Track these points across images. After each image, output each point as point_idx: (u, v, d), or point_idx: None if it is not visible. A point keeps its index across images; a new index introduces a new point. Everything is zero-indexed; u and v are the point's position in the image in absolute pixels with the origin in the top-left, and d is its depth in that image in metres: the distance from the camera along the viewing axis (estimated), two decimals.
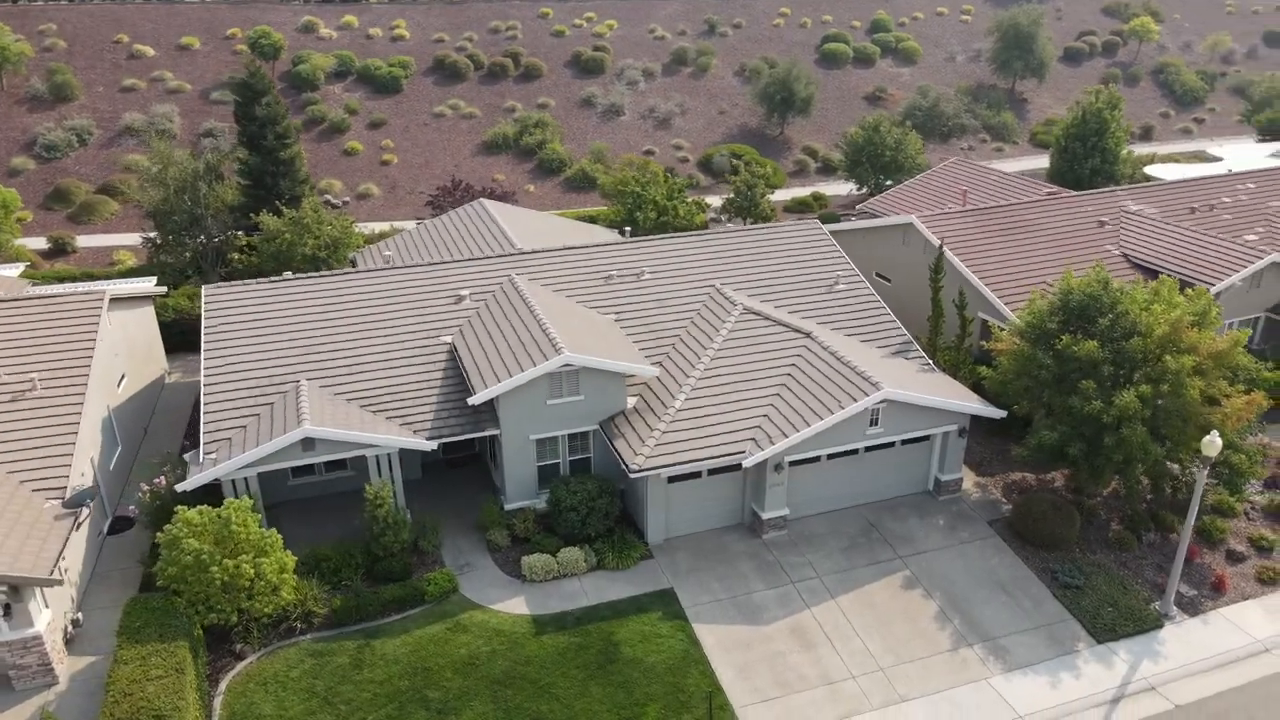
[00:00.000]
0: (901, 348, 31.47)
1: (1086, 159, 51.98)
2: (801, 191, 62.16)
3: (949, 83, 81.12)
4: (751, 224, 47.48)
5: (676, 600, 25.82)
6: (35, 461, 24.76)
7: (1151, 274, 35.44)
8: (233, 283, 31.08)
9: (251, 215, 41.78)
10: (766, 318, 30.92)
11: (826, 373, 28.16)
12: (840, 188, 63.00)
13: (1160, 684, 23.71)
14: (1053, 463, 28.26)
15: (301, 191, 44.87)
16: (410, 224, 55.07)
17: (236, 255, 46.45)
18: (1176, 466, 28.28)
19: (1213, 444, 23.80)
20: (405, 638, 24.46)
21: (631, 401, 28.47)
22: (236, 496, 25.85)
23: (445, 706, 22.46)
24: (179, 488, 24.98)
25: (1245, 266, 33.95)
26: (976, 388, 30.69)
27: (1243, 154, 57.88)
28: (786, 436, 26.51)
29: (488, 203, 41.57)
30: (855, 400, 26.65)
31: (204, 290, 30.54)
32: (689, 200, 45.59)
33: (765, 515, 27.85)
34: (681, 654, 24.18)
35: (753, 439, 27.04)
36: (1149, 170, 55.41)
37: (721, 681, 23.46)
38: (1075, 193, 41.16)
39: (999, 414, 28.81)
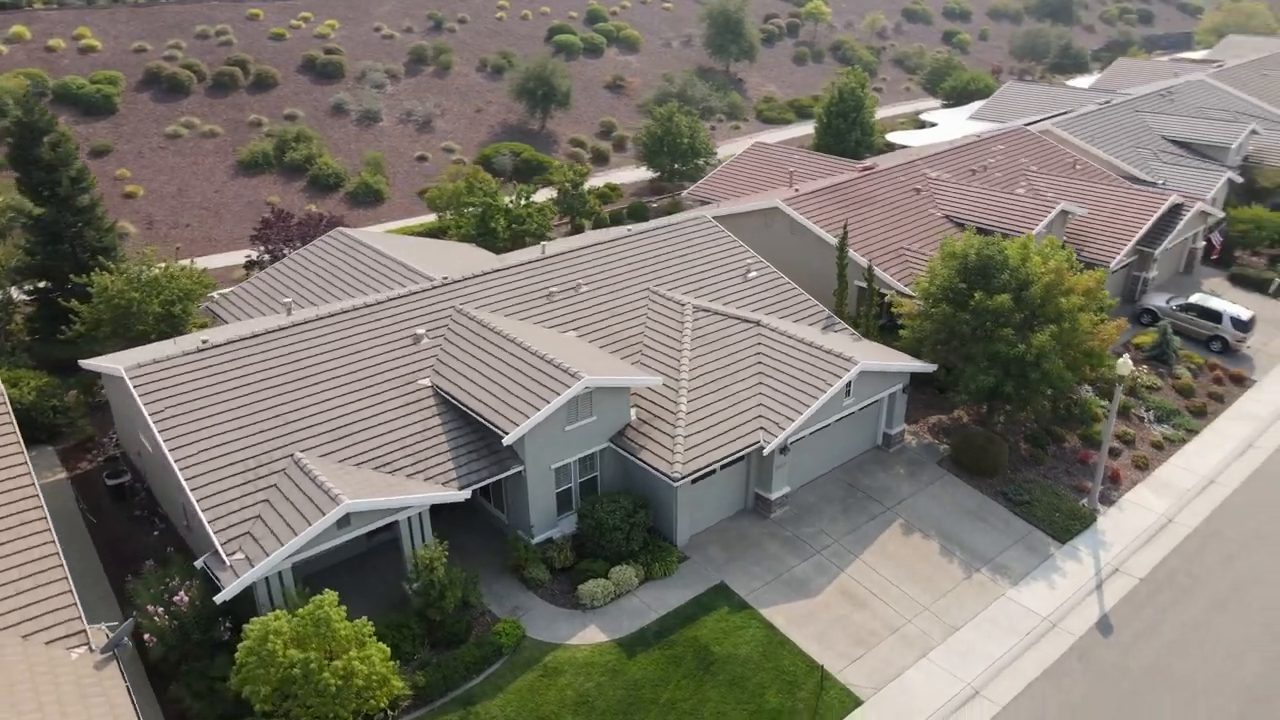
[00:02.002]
0: (827, 322, 34.73)
1: (849, 132, 58.81)
2: (594, 182, 63.76)
3: (673, 68, 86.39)
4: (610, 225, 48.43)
5: (732, 592, 27.19)
6: (31, 608, 20.47)
7: (974, 230, 41.77)
8: (154, 359, 26.93)
9: (74, 278, 35.67)
10: (716, 313, 32.70)
11: (797, 356, 30.63)
12: (625, 176, 65.50)
13: (1120, 565, 29.26)
14: (987, 401, 33.01)
15: (110, 241, 38.91)
16: (205, 261, 49.42)
17: (18, 323, 39.54)
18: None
19: (1126, 365, 29.56)
20: (503, 696, 23.62)
21: (632, 414, 29.02)
22: (270, 595, 23.22)
23: None
24: (219, 598, 21.89)
25: (1046, 215, 41.24)
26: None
27: (949, 118, 68.29)
28: (792, 420, 28.68)
29: (352, 231, 38.98)
30: (838, 377, 29.41)
31: (126, 372, 26.23)
32: (538, 206, 45.62)
33: (773, 496, 29.90)
34: (765, 639, 25.71)
35: (761, 428, 28.88)
36: (890, 138, 63.74)
37: (810, 654, 25.36)
38: (886, 164, 46.86)
39: (932, 368, 33.03)
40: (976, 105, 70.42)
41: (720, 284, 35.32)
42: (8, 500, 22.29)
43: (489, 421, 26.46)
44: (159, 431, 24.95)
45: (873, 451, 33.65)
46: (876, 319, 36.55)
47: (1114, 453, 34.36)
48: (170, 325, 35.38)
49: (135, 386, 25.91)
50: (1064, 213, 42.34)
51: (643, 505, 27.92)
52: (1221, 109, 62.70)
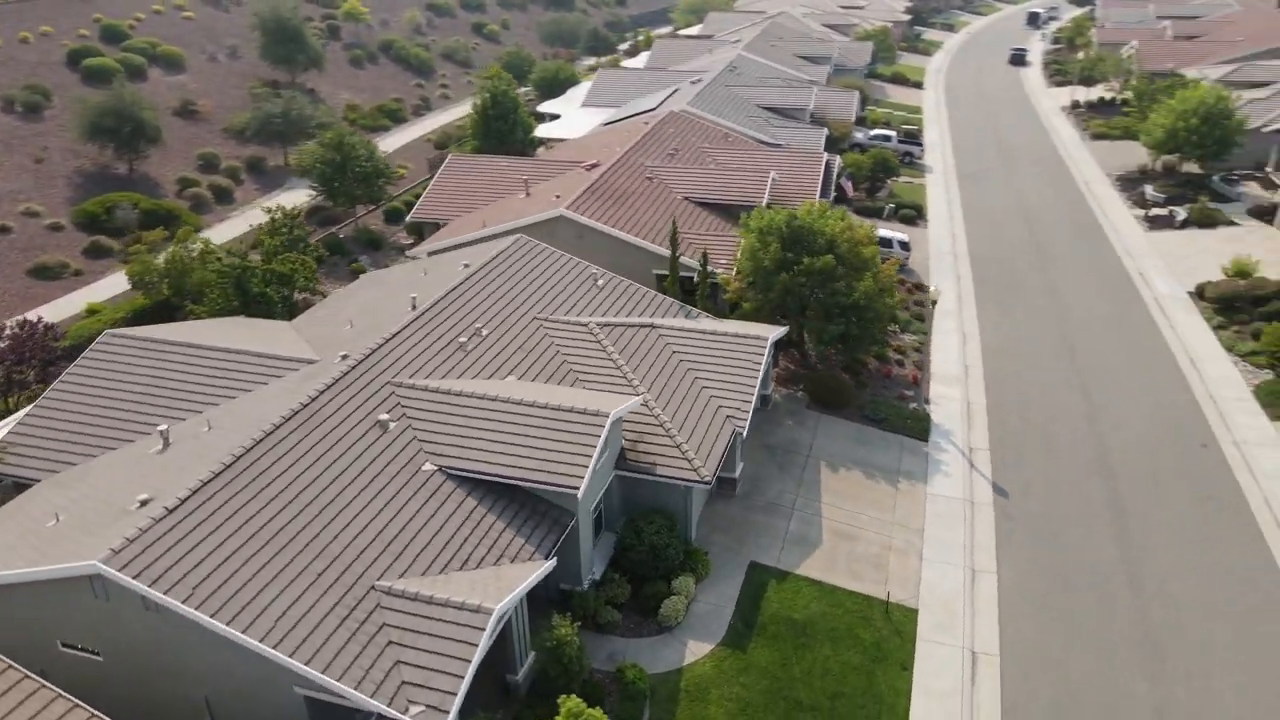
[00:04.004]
0: (684, 310, 37.56)
1: (511, 132, 60.57)
2: (239, 225, 56.89)
3: (235, 85, 79.05)
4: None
5: (766, 566, 29.59)
6: None
7: (711, 207, 47.41)
8: (125, 539, 20.62)
9: None
10: (618, 325, 33.78)
11: (710, 346, 33.39)
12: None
13: (971, 444, 37.35)
14: (833, 344, 38.74)
15: None
16: None
17: None
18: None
19: (938, 292, 37.34)
20: None
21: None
22: None
23: None
24: None
25: (766, 184, 48.15)
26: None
27: (567, 108, 72.61)
28: (749, 401, 31.54)
29: (127, 330, 32.01)
30: (761, 354, 32.96)
31: (107, 565, 19.85)
32: (301, 259, 40.61)
33: (737, 475, 32.53)
34: (819, 593, 28.78)
35: (728, 416, 31.22)
36: (539, 133, 66.30)
37: (856, 590, 29.07)
38: (608, 161, 49.89)
39: (784, 330, 37.79)
40: (576, 92, 75.97)
41: (583, 298, 36.08)
42: None
43: (549, 484, 25.26)
44: (209, 619, 19.72)
45: (758, 414, 37.66)
46: (708, 299, 40.28)
47: (900, 363, 42.73)
48: None
49: (134, 578, 19.92)
50: (773, 179, 49.74)
51: (670, 518, 28.81)
52: (772, 77, 76.23)
